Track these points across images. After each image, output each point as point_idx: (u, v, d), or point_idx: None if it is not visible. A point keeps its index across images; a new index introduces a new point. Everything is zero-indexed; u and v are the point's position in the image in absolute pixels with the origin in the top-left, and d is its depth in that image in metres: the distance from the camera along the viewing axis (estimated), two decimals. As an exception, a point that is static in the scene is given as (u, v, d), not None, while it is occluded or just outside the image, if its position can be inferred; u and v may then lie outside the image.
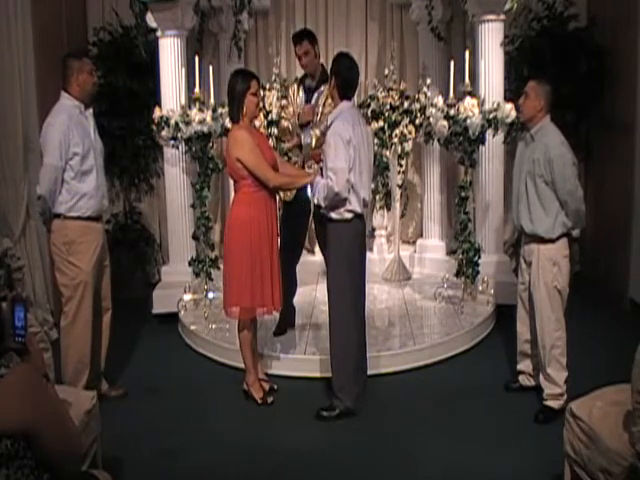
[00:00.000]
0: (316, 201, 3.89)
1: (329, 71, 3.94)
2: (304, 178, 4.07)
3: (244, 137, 3.86)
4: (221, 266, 5.71)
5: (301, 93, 4.88)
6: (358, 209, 3.85)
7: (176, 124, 5.03)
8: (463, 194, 5.16)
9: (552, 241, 3.80)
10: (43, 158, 3.89)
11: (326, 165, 3.77)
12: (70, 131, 3.82)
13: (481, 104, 4.97)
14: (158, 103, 5.46)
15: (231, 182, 6.07)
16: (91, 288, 3.98)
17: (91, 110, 4.06)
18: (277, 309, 4.12)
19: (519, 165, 3.95)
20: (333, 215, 3.84)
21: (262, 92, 5.31)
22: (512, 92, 5.60)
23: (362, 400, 3.98)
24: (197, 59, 5.30)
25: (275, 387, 4.25)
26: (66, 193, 3.87)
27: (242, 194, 3.96)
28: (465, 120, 4.87)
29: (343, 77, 3.84)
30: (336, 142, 3.71)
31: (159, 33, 5.48)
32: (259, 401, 4.08)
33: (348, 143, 3.71)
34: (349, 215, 3.83)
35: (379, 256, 6.44)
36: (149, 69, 5.84)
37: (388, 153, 5.85)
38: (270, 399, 4.11)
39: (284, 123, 5.05)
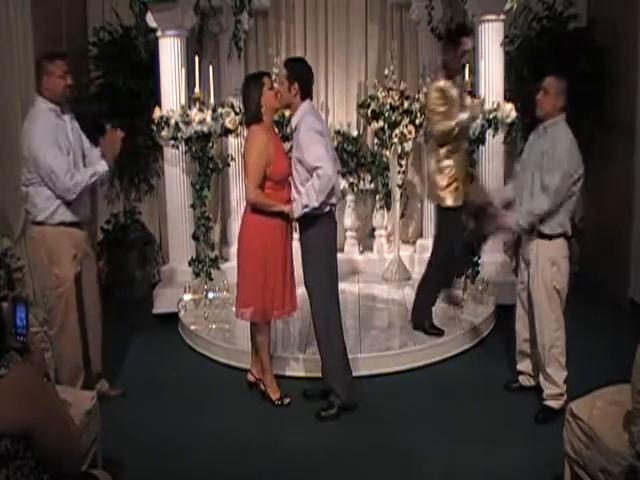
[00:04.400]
0: (303, 211, 3.79)
1: (287, 78, 3.84)
2: (281, 207, 3.91)
3: (259, 140, 3.85)
4: (221, 266, 5.78)
5: None
6: (334, 199, 3.88)
7: (176, 124, 5.03)
8: (463, 194, 5.16)
9: (550, 237, 3.80)
10: (43, 166, 3.74)
11: (308, 164, 3.75)
12: (53, 132, 3.77)
13: (481, 104, 4.97)
14: (158, 103, 5.46)
15: (231, 182, 6.16)
16: (74, 295, 3.93)
17: (69, 115, 3.96)
18: (291, 312, 4.11)
19: (527, 154, 3.98)
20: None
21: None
22: (512, 92, 5.60)
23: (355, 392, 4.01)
24: (197, 59, 5.30)
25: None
26: (45, 200, 3.79)
27: None
28: (465, 120, 4.87)
29: (305, 82, 3.85)
30: (312, 137, 3.73)
31: (159, 33, 5.48)
32: (276, 402, 4.08)
33: (321, 134, 3.76)
34: (327, 208, 3.84)
35: (379, 256, 6.44)
36: (149, 69, 5.84)
37: (388, 153, 5.86)
38: (287, 400, 4.10)
39: None
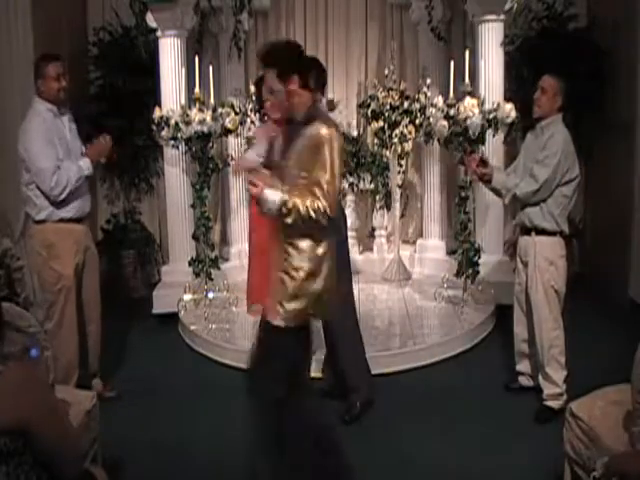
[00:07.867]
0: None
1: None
2: None
3: None
4: (221, 266, 5.77)
5: None
6: None
7: (176, 124, 5.03)
8: (463, 194, 5.17)
9: (546, 233, 3.80)
10: (32, 165, 3.80)
11: None
12: (49, 132, 3.80)
13: (481, 104, 4.97)
14: (158, 103, 5.45)
15: (231, 182, 6.17)
16: (74, 291, 3.95)
17: (68, 116, 4.01)
18: None
19: (523, 155, 4.00)
20: None
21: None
22: (512, 92, 5.60)
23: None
24: (197, 59, 5.31)
25: None
26: (44, 199, 3.83)
27: None
28: (465, 120, 4.87)
29: None
30: None
31: (159, 33, 5.48)
32: None
33: None
34: None
35: (379, 256, 6.44)
36: (149, 69, 5.83)
37: (388, 153, 5.85)
38: None
39: None
